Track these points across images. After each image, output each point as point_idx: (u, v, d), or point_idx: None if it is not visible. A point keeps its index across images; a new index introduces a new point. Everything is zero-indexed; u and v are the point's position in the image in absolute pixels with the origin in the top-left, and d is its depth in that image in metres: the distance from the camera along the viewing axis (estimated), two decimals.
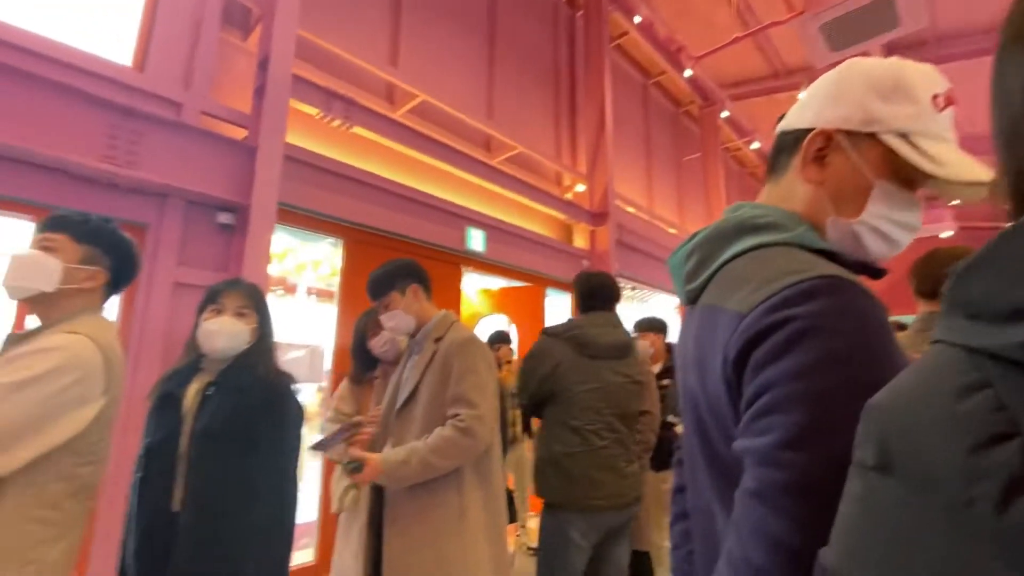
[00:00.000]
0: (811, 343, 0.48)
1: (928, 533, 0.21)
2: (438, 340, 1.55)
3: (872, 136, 0.59)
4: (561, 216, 5.40)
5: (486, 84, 4.94)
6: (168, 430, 1.24)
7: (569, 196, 5.60)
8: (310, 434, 4.23)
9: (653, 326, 3.06)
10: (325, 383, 3.35)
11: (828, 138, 0.62)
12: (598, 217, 5.58)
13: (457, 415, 1.38)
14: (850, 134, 0.61)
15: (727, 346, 0.55)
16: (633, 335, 2.14)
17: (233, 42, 3.17)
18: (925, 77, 0.60)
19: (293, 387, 1.36)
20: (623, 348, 1.96)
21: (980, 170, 0.55)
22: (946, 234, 7.73)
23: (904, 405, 0.25)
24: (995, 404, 0.21)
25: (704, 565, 0.70)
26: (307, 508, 3.65)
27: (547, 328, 2.04)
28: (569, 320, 2.08)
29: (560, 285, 5.36)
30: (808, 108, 0.65)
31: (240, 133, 2.89)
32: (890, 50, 5.70)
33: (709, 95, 7.91)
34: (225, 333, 1.31)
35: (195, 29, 2.81)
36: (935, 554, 0.20)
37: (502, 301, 5.24)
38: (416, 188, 3.87)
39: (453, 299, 4.05)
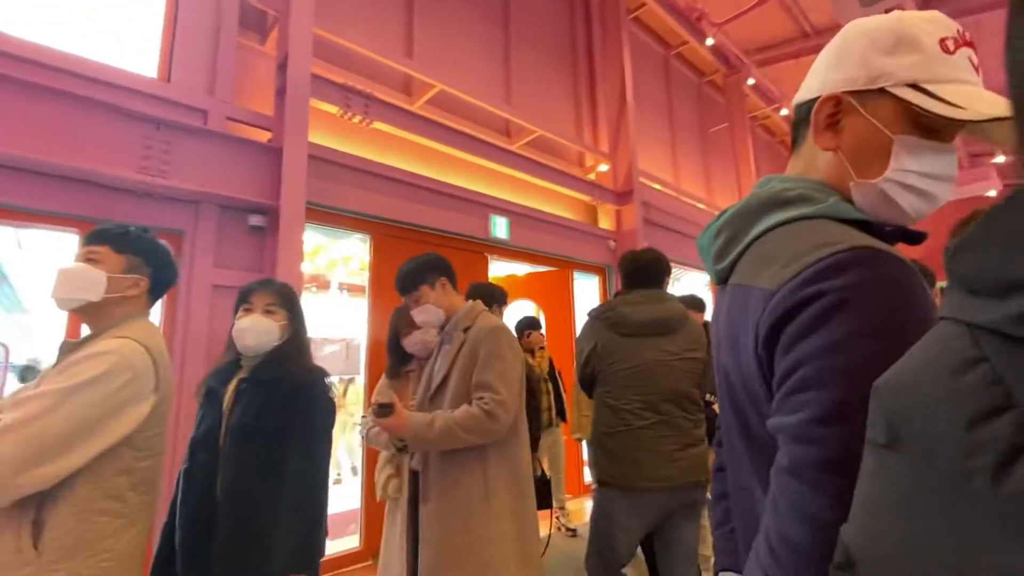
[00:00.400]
0: (843, 317, 0.47)
1: (934, 507, 0.22)
2: (466, 330, 1.58)
3: (882, 91, 0.58)
4: (585, 198, 5.34)
5: (502, 68, 4.89)
6: (210, 424, 1.32)
7: (592, 176, 5.53)
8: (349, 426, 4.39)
9: (691, 304, 3.00)
10: (358, 375, 3.45)
11: (837, 102, 0.61)
12: (623, 196, 5.49)
13: (481, 398, 1.43)
14: (859, 94, 0.59)
15: (758, 324, 0.55)
16: None
17: (251, 46, 3.23)
18: (929, 23, 0.58)
19: (326, 380, 1.41)
20: (665, 324, 1.89)
21: (1006, 105, 0.52)
22: (991, 193, 7.30)
23: (908, 382, 0.26)
24: (991, 378, 0.21)
25: (745, 543, 0.69)
26: (352, 496, 3.79)
27: (590, 310, 2.07)
28: (608, 300, 2.09)
29: (587, 268, 5.33)
30: (814, 77, 0.64)
31: (264, 136, 2.96)
32: (924, 4, 5.36)
33: (733, 63, 7.63)
34: (253, 330, 1.37)
35: (214, 36, 2.88)
36: (942, 527, 0.21)
37: (529, 287, 5.24)
38: (438, 179, 3.89)
39: None
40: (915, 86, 0.56)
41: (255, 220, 2.81)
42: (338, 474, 4.53)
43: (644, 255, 2.03)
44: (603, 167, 5.57)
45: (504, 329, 1.56)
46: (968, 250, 0.24)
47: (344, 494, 4.15)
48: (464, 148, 4.13)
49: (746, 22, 6.36)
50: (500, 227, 4.23)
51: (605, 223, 5.60)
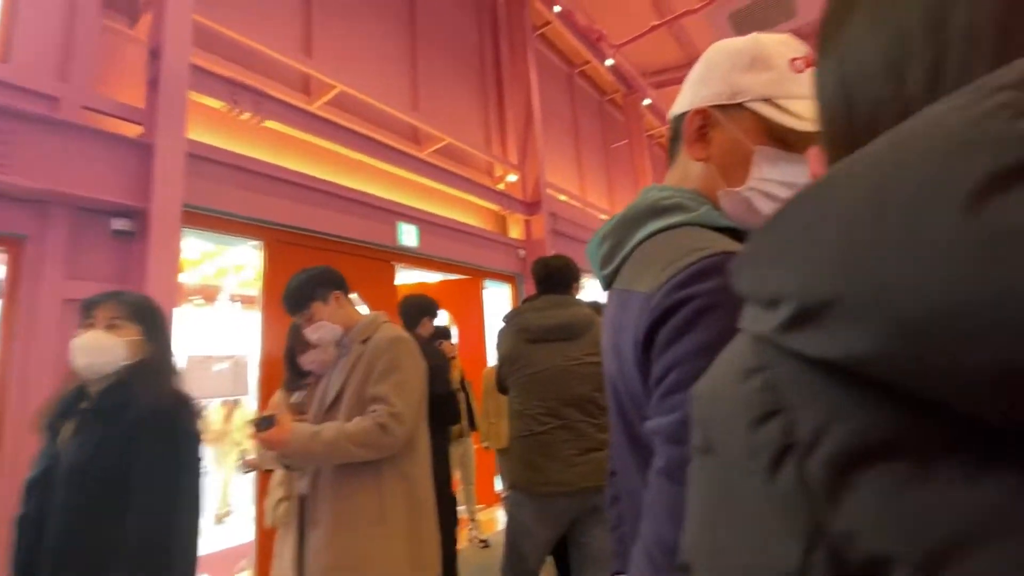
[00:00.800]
0: (711, 320, 0.48)
1: (732, 508, 0.23)
2: (365, 341, 1.49)
3: (741, 106, 0.63)
4: (494, 207, 5.37)
5: (409, 74, 4.79)
6: (45, 465, 1.12)
7: (501, 187, 5.59)
8: (228, 454, 3.99)
9: (593, 309, 3.10)
10: (247, 395, 3.17)
11: (705, 116, 0.65)
12: (532, 206, 5.61)
13: (375, 411, 1.35)
14: (723, 108, 0.64)
15: (637, 328, 0.56)
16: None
17: (119, 29, 2.87)
18: (781, 45, 0.64)
19: (192, 405, 1.24)
20: (568, 329, 1.91)
21: None
22: None
23: (711, 389, 0.28)
24: (766, 385, 0.23)
25: (634, 546, 0.70)
26: (243, 529, 3.45)
27: (503, 316, 2.08)
28: (518, 306, 2.11)
29: (498, 276, 5.35)
30: (685, 93, 0.69)
31: (134, 130, 2.63)
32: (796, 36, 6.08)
33: (631, 83, 8.13)
34: (89, 348, 1.18)
35: (69, 14, 2.52)
36: (739, 525, 0.23)
37: (440, 295, 5.15)
38: (340, 184, 3.71)
39: (387, 297, 3.93)
40: (769, 101, 0.61)
41: (119, 224, 2.48)
42: (226, 509, 4.08)
43: (554, 261, 2.06)
44: (512, 177, 5.65)
45: (405, 339, 1.49)
46: (745, 264, 0.26)
47: (234, 528, 3.77)
48: (369, 152, 3.99)
49: (642, 46, 6.82)
50: (408, 235, 4.12)
51: (515, 232, 5.67)
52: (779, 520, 0.20)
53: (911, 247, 0.17)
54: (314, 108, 3.73)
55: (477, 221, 5.24)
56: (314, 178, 3.52)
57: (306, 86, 3.83)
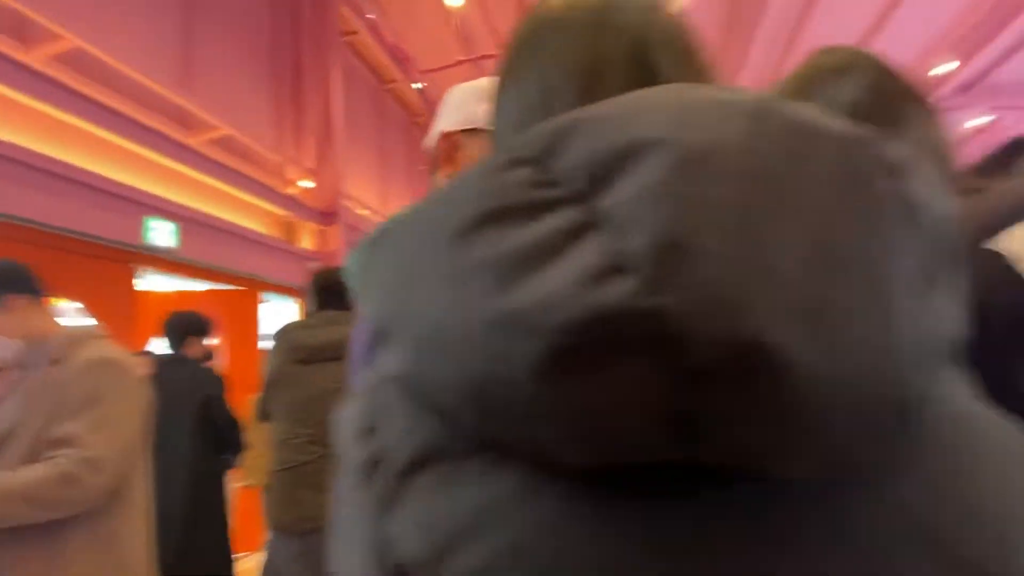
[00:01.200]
0: None
1: (345, 520, 0.25)
2: (57, 363, 1.16)
3: (477, 130, 0.74)
4: (282, 212, 4.90)
5: (180, 45, 4.06)
6: None
7: (292, 191, 5.13)
8: None
9: None
10: None
11: (451, 139, 0.76)
12: (327, 216, 5.28)
13: (55, 457, 1.04)
14: (466, 132, 0.75)
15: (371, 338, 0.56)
16: None
17: None
18: None
19: None
20: (341, 348, 1.77)
21: None
22: None
23: (344, 408, 0.31)
24: (370, 403, 0.25)
25: None
26: None
27: (273, 334, 1.90)
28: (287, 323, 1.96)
29: (282, 289, 4.86)
30: (438, 123, 0.80)
31: None
32: None
33: (438, 111, 8.40)
34: None
35: None
36: (348, 537, 0.24)
37: (206, 307, 4.42)
38: (62, 160, 2.92)
39: (123, 306, 3.20)
40: None
41: None
42: None
43: (333, 274, 1.94)
44: (306, 183, 5.24)
45: (115, 363, 1.18)
46: (361, 286, 0.29)
47: None
48: (113, 129, 3.24)
49: (449, 77, 7.10)
50: (161, 233, 3.45)
51: (307, 243, 5.25)
52: (365, 531, 0.22)
53: (422, 279, 0.20)
54: (33, 61, 2.89)
55: (260, 226, 4.69)
56: (22, 149, 2.70)
57: (20, 31, 2.94)
